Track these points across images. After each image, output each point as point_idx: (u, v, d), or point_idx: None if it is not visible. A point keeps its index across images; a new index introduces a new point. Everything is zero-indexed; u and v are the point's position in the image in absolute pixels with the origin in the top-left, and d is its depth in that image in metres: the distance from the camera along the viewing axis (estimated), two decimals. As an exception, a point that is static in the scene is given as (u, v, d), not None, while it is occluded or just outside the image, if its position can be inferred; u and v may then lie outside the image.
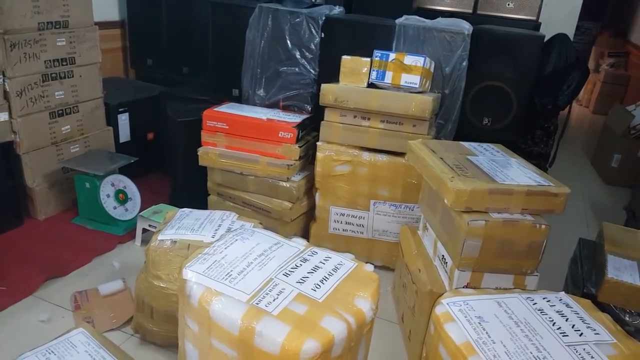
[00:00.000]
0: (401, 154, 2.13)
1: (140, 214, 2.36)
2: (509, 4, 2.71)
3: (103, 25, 2.67)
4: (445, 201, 1.56)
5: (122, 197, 2.47)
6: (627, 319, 1.55)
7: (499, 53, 2.36)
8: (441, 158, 1.75)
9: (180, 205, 2.03)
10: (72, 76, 2.52)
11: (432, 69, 2.24)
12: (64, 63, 2.47)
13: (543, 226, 1.50)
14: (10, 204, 2.37)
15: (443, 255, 1.68)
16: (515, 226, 1.50)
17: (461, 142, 1.98)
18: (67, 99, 2.53)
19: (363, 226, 2.29)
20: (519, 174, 1.65)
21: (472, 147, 1.93)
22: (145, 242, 2.37)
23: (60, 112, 2.50)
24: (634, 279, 1.56)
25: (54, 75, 2.43)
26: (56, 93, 2.46)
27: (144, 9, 3.22)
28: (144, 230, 2.37)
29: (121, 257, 2.29)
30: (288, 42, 2.41)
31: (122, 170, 2.51)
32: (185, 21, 3.13)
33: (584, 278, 1.72)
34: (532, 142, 2.98)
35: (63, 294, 1.98)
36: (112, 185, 2.45)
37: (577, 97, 2.95)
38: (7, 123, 2.28)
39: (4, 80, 2.23)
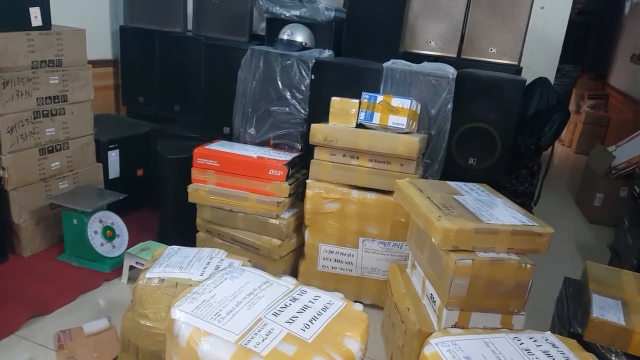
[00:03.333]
0: (389, 192, 2.17)
1: (128, 251, 2.34)
2: (491, 49, 2.83)
3: (96, 63, 2.72)
4: (433, 240, 1.58)
5: (109, 234, 2.46)
6: (613, 358, 1.56)
7: (482, 96, 2.45)
8: (428, 197, 1.78)
9: (168, 242, 2.03)
10: (64, 113, 2.55)
11: (418, 111, 2.32)
12: (56, 100, 2.50)
13: (529, 265, 1.53)
14: (-5, 240, 2.35)
15: (431, 294, 1.69)
16: (501, 265, 1.53)
17: (447, 182, 2.02)
18: (57, 136, 2.54)
19: (352, 264, 2.29)
20: (504, 213, 1.69)
21: (458, 186, 1.97)
22: (132, 279, 2.34)
23: (50, 148, 2.51)
24: (618, 318, 1.58)
25: (45, 112, 2.46)
26: (47, 130, 2.48)
27: (138, 48, 3.29)
28: (131, 268, 2.34)
29: (107, 295, 2.25)
30: (279, 83, 2.48)
31: (111, 207, 2.51)
32: (178, 60, 3.20)
33: (570, 317, 1.73)
34: (517, 182, 3.06)
35: (46, 333, 1.94)
36: (100, 221, 2.43)
37: (559, 137, 3.04)
38: (-3, 159, 2.28)
39: (-5, 118, 2.25)
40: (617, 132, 5.06)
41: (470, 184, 2.01)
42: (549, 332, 1.45)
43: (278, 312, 1.20)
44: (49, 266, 2.40)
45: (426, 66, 2.43)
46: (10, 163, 2.33)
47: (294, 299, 1.26)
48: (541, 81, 2.93)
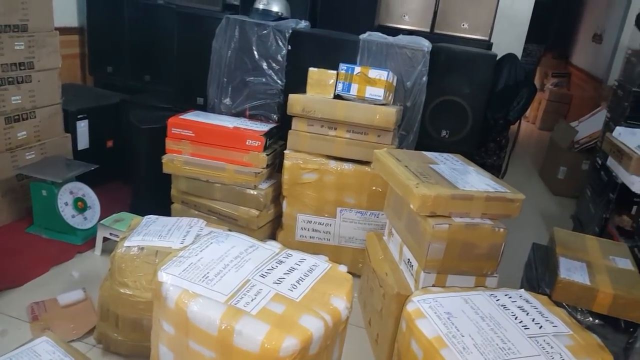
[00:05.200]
0: (367, 163, 2.20)
1: (101, 222, 2.30)
2: (463, 25, 2.88)
3: (61, 30, 2.60)
4: (411, 206, 1.63)
5: (81, 206, 2.40)
6: (579, 317, 1.66)
7: (456, 70, 2.50)
8: (406, 166, 1.82)
9: (142, 213, 1.99)
10: (30, 81, 2.45)
11: (394, 83, 2.34)
12: (22, 67, 2.39)
13: (502, 229, 1.60)
14: (-41, 212, 2.26)
15: (409, 259, 1.75)
16: (476, 229, 1.59)
17: (423, 152, 2.07)
18: (24, 104, 2.44)
19: (330, 233, 2.33)
20: (477, 181, 1.75)
21: (434, 156, 2.02)
22: (105, 251, 2.30)
23: (16, 117, 2.42)
24: (583, 278, 1.68)
25: (10, 79, 2.35)
26: (13, 98, 2.38)
27: (105, 15, 3.17)
28: (105, 239, 2.31)
29: (81, 266, 2.21)
30: (255, 53, 2.45)
31: (81, 178, 2.44)
32: (148, 29, 3.10)
33: (538, 279, 1.83)
34: (486, 154, 3.15)
35: (19, 305, 1.90)
36: (71, 193, 2.37)
37: (525, 113, 3.14)
38: (-41, 127, 2.18)
39: (-44, 83, 2.14)
40: (579, 109, 5.25)
41: (445, 154, 2.06)
42: (523, 290, 1.53)
43: (265, 274, 1.22)
44: (17, 239, 2.33)
45: (402, 39, 2.45)
46: (-27, 132, 2.23)
47: (280, 262, 1.29)
48: (510, 57, 3.00)
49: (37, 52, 2.45)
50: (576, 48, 6.57)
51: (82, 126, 2.80)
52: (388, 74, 2.21)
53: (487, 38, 2.88)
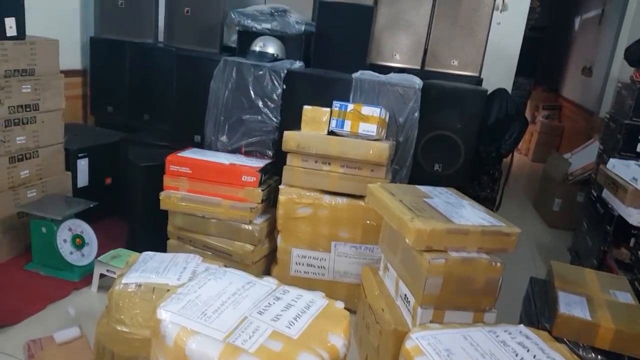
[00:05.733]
0: (360, 197, 2.24)
1: (98, 259, 2.31)
2: (453, 62, 2.98)
3: (65, 73, 2.69)
4: (407, 241, 1.65)
5: (79, 242, 2.42)
6: (581, 353, 1.65)
7: (447, 105, 2.57)
8: (400, 200, 1.86)
9: (138, 249, 2.01)
10: (35, 122, 2.52)
11: (387, 119, 2.41)
12: (28, 109, 2.47)
13: (498, 264, 1.62)
14: (-42, 250, 2.27)
15: (405, 294, 1.76)
16: (472, 264, 1.62)
17: (416, 186, 2.11)
18: (28, 144, 2.50)
19: (324, 268, 2.34)
20: (472, 215, 1.78)
21: (428, 190, 2.06)
22: (102, 288, 2.31)
23: (20, 157, 2.47)
24: (584, 313, 1.67)
25: (16, 120, 2.42)
26: (17, 138, 2.44)
27: (108, 58, 3.27)
28: (102, 276, 2.31)
29: (77, 303, 2.22)
30: (251, 92, 2.54)
31: (79, 215, 2.47)
32: (148, 71, 3.20)
33: (538, 314, 1.83)
34: (479, 187, 3.20)
35: (15, 342, 1.89)
36: (70, 230, 2.39)
37: (518, 145, 3.21)
38: (-36, 167, 2.22)
39: (-35, 125, 2.20)
40: (571, 141, 5.35)
41: (438, 188, 2.10)
42: (522, 325, 1.53)
43: (263, 311, 1.24)
44: (16, 276, 2.34)
45: (393, 77, 2.54)
46: (-22, 172, 2.27)
47: (278, 298, 1.30)
48: (500, 92, 3.10)
49: (43, 94, 2.53)
50: (566, 81, 6.75)
51: (82, 164, 2.85)
52: (380, 111, 2.28)
53: (477, 74, 2.98)
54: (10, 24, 2.30)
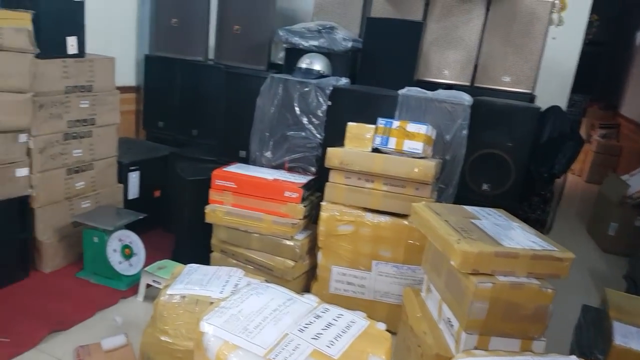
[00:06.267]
0: (404, 216, 2.20)
1: (145, 269, 2.37)
2: (505, 78, 2.90)
3: (120, 89, 2.83)
4: (452, 263, 1.60)
5: (127, 252, 2.50)
6: (635, 387, 1.55)
7: (497, 123, 2.50)
8: (446, 220, 1.80)
9: (183, 261, 2.06)
10: (91, 136, 2.65)
11: (434, 136, 2.36)
12: (85, 123, 2.60)
13: (549, 290, 1.54)
14: (18, 256, 2.39)
15: (449, 318, 1.69)
16: (521, 289, 1.54)
17: (463, 206, 2.04)
18: (84, 157, 2.63)
19: (364, 287, 2.31)
20: (522, 238, 1.70)
21: (475, 211, 1.99)
22: (148, 297, 2.37)
23: (76, 169, 2.60)
24: (641, 346, 1.57)
25: (74, 134, 2.56)
26: (74, 151, 2.57)
27: (161, 75, 3.41)
28: (148, 286, 2.38)
29: (123, 312, 2.28)
30: (296, 109, 2.56)
31: (129, 226, 2.56)
32: (197, 87, 3.30)
33: (590, 345, 1.73)
34: (529, 209, 3.07)
35: (65, 348, 1.96)
36: (120, 240, 2.48)
37: (571, 165, 3.07)
38: (26, 178, 2.36)
39: (28, 138, 2.33)
40: (629, 161, 5.07)
41: (486, 209, 2.03)
42: (574, 357, 1.44)
43: (303, 328, 1.22)
44: (68, 283, 2.44)
45: (441, 93, 2.49)
46: (38, 182, 2.40)
47: (318, 316, 1.29)
48: (554, 109, 2.98)
49: (99, 109, 2.66)
50: (625, 98, 6.41)
51: (134, 177, 2.97)
52: (427, 128, 2.24)
53: (529, 91, 2.88)
54: (71, 42, 2.45)
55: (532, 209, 3.07)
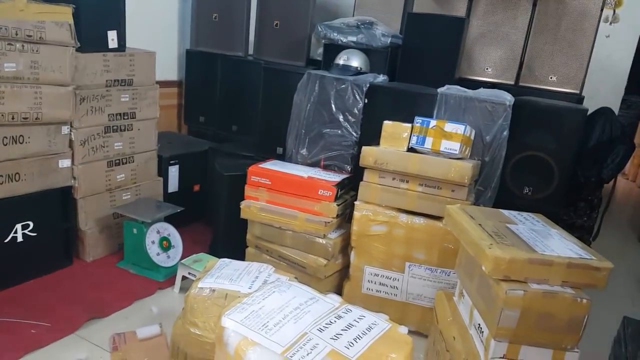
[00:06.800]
0: (439, 218, 2.15)
1: (182, 261, 2.44)
2: (551, 77, 2.77)
3: (162, 84, 2.90)
4: (483, 268, 1.55)
5: (165, 245, 2.57)
6: (680, 408, 1.45)
7: (541, 124, 2.39)
8: (479, 224, 1.75)
9: (219, 255, 2.10)
10: (132, 129, 2.73)
11: (472, 137, 2.29)
12: (125, 117, 2.69)
13: (584, 300, 1.47)
14: (62, 245, 2.51)
15: (479, 324, 1.65)
16: (555, 298, 1.47)
17: (500, 210, 1.98)
18: (124, 150, 2.72)
19: (397, 288, 2.27)
20: (560, 245, 1.63)
21: (512, 215, 1.92)
22: (183, 289, 2.43)
23: (117, 161, 2.69)
24: (686, 364, 1.47)
25: (115, 127, 2.64)
26: (115, 144, 2.66)
27: (201, 70, 3.48)
28: (184, 278, 2.44)
29: (159, 302, 2.35)
30: (333, 106, 2.55)
31: (168, 219, 2.63)
32: (238, 83, 3.34)
33: (629, 358, 1.63)
34: (575, 214, 2.93)
35: (103, 334, 2.05)
36: (158, 232, 2.56)
37: (622, 170, 2.90)
38: (69, 169, 2.46)
39: (70, 130, 2.43)
40: (689, 168, 4.74)
41: (524, 214, 1.96)
42: (606, 371, 1.37)
43: (323, 328, 1.22)
44: (108, 272, 2.54)
45: (482, 92, 2.42)
46: (80, 173, 2.51)
47: (339, 317, 1.28)
48: (604, 111, 2.83)
49: (139, 103, 2.74)
50: (687, 100, 6.01)
51: (173, 171, 3.05)
52: (465, 128, 2.18)
53: (577, 91, 2.75)
54: (112, 36, 2.53)
55: (578, 214, 2.94)
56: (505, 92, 2.39)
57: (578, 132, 2.39)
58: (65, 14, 2.25)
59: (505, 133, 2.33)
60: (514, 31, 2.80)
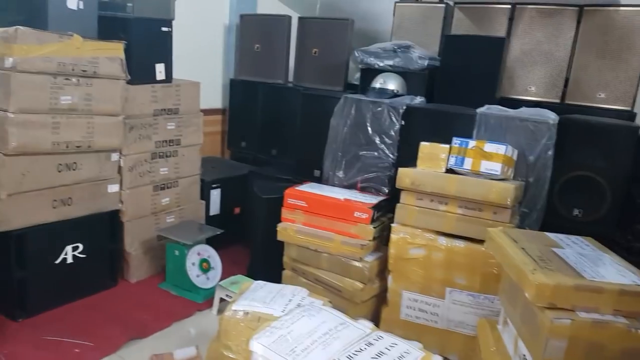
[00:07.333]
0: (480, 241, 2.07)
1: (220, 283, 2.46)
2: (599, 94, 2.65)
3: (207, 112, 3.01)
4: (526, 295, 1.47)
5: (205, 266, 2.61)
6: None
7: (590, 143, 2.29)
8: (523, 248, 1.67)
9: (257, 277, 2.11)
10: (177, 155, 2.84)
11: (514, 157, 2.21)
12: (171, 144, 2.80)
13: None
14: (108, 266, 2.60)
15: (524, 355, 1.55)
16: (606, 328, 1.37)
17: (546, 233, 1.88)
18: (169, 175, 2.82)
19: (437, 315, 2.19)
20: (611, 271, 1.53)
21: (558, 238, 1.82)
22: (221, 311, 2.44)
23: (162, 186, 2.79)
24: None
25: (161, 154, 2.76)
26: (161, 169, 2.77)
27: (244, 98, 3.59)
28: (221, 300, 2.46)
29: (198, 324, 2.38)
30: (369, 128, 2.54)
31: (208, 241, 2.68)
32: (277, 109, 3.42)
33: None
34: (633, 238, 2.74)
35: (142, 355, 2.08)
36: (198, 254, 2.60)
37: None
38: (117, 194, 2.57)
39: (119, 157, 2.55)
40: None
41: (572, 237, 1.85)
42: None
43: (352, 356, 1.18)
44: (151, 293, 2.61)
45: (524, 111, 2.34)
46: (128, 197, 2.61)
47: (370, 344, 1.24)
48: (661, 128, 2.66)
49: (184, 130, 2.85)
50: None
51: (215, 194, 3.12)
52: (507, 148, 2.11)
53: (629, 108, 2.61)
54: (160, 69, 2.67)
55: (636, 237, 2.74)
56: (549, 111, 2.31)
57: (631, 150, 2.26)
58: (117, 49, 2.40)
59: (550, 152, 2.23)
60: (558, 48, 2.72)
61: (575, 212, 2.34)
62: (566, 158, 2.28)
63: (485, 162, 2.13)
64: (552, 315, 1.39)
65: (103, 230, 2.54)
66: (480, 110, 2.39)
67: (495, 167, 2.11)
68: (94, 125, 2.36)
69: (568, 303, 1.41)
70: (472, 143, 2.16)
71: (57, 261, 2.36)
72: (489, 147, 2.13)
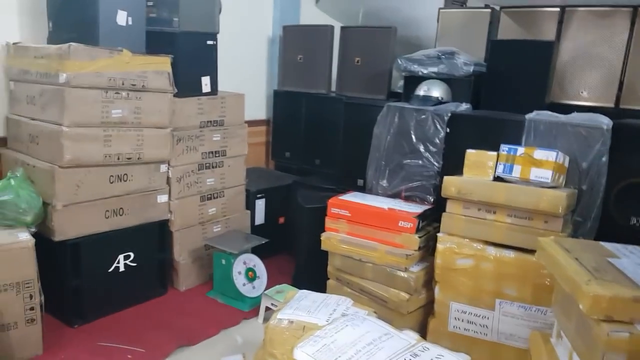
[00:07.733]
0: (531, 251, 1.99)
1: (265, 292, 2.49)
2: (657, 97, 2.52)
3: (251, 123, 3.07)
4: (581, 307, 1.40)
5: (251, 275, 2.65)
6: None
7: (648, 148, 2.17)
8: (576, 258, 1.60)
9: (301, 286, 2.12)
10: (222, 166, 2.91)
11: (566, 164, 2.13)
12: (217, 155, 2.87)
13: None
14: (158, 274, 2.69)
15: (580, 370, 1.48)
16: (670, 344, 1.28)
17: (601, 243, 1.79)
18: (215, 185, 2.89)
19: (487, 327, 2.12)
20: (674, 282, 1.43)
21: (615, 248, 1.73)
22: (267, 320, 2.47)
23: (209, 196, 2.87)
24: None
25: (207, 165, 2.83)
26: (208, 180, 2.84)
27: (287, 108, 3.65)
28: (267, 309, 2.49)
29: (244, 332, 2.41)
30: (413, 136, 2.52)
31: (253, 250, 2.72)
32: (321, 118, 3.45)
33: None
34: (701, 248, 2.56)
35: (189, 363, 2.14)
36: (244, 263, 2.65)
37: None
38: (166, 204, 2.66)
39: (168, 168, 2.64)
40: None
41: (630, 247, 1.75)
42: None
43: (397, 366, 1.17)
44: (199, 301, 2.67)
45: (575, 117, 2.26)
46: (176, 208, 2.70)
47: (415, 355, 1.22)
48: None
49: (230, 141, 2.93)
50: None
51: (260, 204, 3.18)
52: (557, 155, 2.03)
53: (687, 111, 2.46)
54: (205, 82, 2.75)
55: None
56: (602, 116, 2.21)
57: (691, 155, 2.13)
58: (164, 63, 2.50)
59: (604, 159, 2.14)
60: (611, 51, 2.61)
61: (633, 220, 2.22)
62: (622, 164, 2.17)
63: (535, 169, 2.05)
64: (609, 329, 1.32)
65: (153, 239, 2.63)
66: (529, 116, 2.32)
67: (545, 175, 2.03)
68: (143, 137, 2.46)
69: (626, 316, 1.34)
70: (520, 150, 2.10)
71: (110, 270, 2.46)
72: (539, 154, 2.06)
